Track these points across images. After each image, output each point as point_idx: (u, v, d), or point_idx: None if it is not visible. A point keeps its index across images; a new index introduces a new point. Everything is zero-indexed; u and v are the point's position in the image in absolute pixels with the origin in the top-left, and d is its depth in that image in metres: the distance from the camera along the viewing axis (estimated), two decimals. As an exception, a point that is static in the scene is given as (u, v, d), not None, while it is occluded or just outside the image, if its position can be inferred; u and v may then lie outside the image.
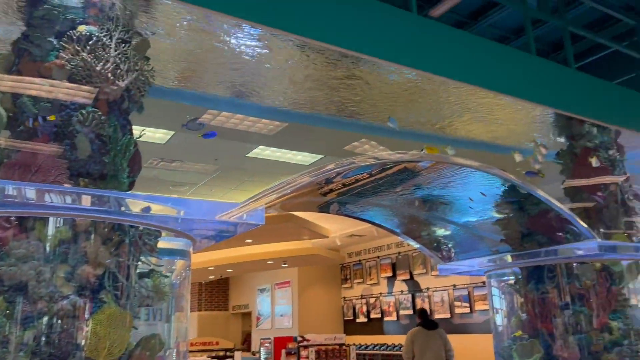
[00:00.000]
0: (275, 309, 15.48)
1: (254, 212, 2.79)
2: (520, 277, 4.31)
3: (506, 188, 3.95)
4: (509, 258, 4.35)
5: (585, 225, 3.75)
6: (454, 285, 11.02)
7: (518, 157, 3.68)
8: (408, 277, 12.30)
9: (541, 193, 3.69)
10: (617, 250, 3.94)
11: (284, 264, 13.59)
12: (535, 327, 4.09)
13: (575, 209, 3.84)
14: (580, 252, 3.91)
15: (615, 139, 4.22)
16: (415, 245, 5.13)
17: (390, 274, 12.82)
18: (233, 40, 2.63)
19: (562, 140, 4.05)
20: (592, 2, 4.54)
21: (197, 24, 2.48)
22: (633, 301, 4.07)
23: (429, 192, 4.27)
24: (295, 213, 9.27)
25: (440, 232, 4.88)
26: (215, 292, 18.07)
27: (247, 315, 17.46)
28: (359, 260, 13.97)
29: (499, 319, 4.57)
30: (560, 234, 3.99)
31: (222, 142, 2.80)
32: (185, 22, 2.47)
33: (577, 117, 3.93)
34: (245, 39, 2.62)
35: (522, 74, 3.70)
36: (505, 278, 4.54)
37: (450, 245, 4.97)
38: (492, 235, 4.51)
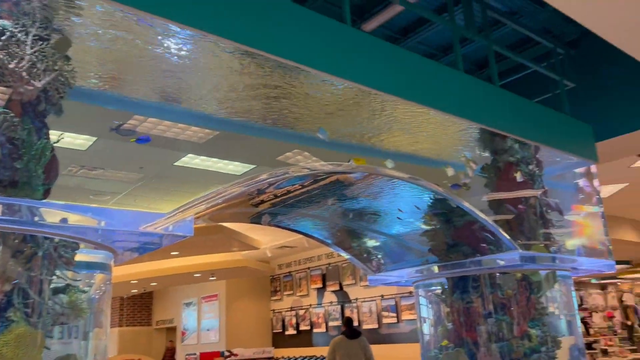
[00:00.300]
0: (201, 323, 15.07)
1: (181, 223, 2.67)
2: (446, 287, 4.41)
3: (433, 200, 4.05)
4: (435, 269, 4.45)
5: (508, 237, 3.91)
6: (382, 296, 11.20)
7: (450, 171, 3.78)
8: (338, 288, 12.37)
9: (467, 205, 3.81)
10: (536, 261, 4.13)
11: (212, 276, 13.26)
12: (460, 336, 4.20)
13: (498, 220, 3.99)
14: (502, 263, 4.06)
15: (535, 155, 4.44)
16: (346, 256, 5.15)
17: (320, 285, 12.84)
18: (163, 43, 2.52)
19: (486, 154, 4.21)
20: (513, 24, 4.79)
21: (125, 23, 2.36)
22: (550, 309, 4.28)
23: (359, 203, 4.30)
24: (225, 224, 9.08)
25: (371, 243, 4.93)
26: (138, 306, 17.38)
27: (171, 330, 16.89)
28: (289, 272, 13.89)
29: (426, 329, 4.66)
30: (484, 245, 4.13)
31: (148, 149, 2.66)
32: (111, 22, 2.34)
33: (501, 133, 4.10)
34: (176, 42, 2.52)
35: (450, 90, 3.81)
36: (433, 288, 4.64)
37: (380, 256, 5.03)
38: (420, 247, 4.60)
